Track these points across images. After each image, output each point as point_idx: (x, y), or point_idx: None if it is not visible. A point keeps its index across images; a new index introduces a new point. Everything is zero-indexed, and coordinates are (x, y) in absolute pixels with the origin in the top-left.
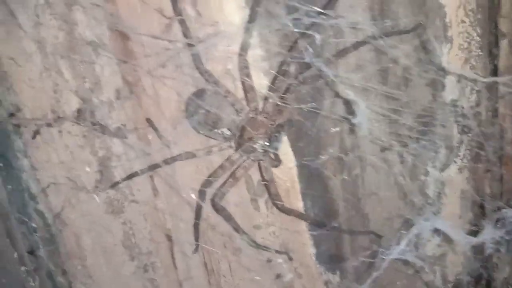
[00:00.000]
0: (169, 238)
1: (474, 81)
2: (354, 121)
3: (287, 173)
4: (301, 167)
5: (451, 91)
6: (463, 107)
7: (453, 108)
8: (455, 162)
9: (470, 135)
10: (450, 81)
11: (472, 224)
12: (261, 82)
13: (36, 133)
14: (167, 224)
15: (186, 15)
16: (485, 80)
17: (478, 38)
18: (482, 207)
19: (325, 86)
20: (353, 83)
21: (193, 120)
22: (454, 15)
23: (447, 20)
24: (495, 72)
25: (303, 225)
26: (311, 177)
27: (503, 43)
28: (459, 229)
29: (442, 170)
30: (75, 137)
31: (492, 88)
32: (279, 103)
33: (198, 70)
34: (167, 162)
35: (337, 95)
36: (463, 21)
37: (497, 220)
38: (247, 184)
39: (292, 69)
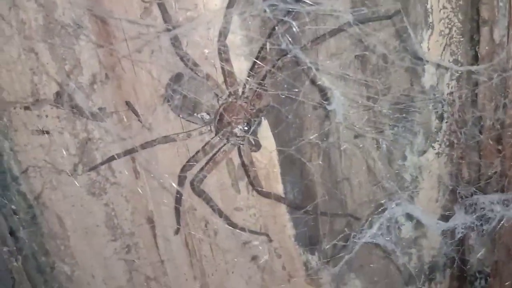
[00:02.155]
0: (150, 219)
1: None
2: (329, 107)
3: (267, 156)
4: (281, 151)
5: (430, 77)
6: (442, 93)
7: (432, 94)
8: (433, 147)
9: (447, 121)
10: (429, 67)
11: (445, 209)
12: (241, 67)
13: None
14: (149, 205)
15: None
16: (459, 69)
17: (459, 24)
18: (456, 192)
19: (302, 73)
20: (329, 70)
21: (172, 104)
22: (435, 1)
23: (428, 6)
24: (476, 57)
25: (282, 208)
26: (290, 162)
27: (484, 30)
28: (431, 214)
29: (420, 155)
30: (54, 120)
31: (471, 75)
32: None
33: (177, 54)
34: (145, 146)
35: (312, 82)
36: (444, 7)
37: (469, 206)
38: (228, 167)
39: (271, 55)
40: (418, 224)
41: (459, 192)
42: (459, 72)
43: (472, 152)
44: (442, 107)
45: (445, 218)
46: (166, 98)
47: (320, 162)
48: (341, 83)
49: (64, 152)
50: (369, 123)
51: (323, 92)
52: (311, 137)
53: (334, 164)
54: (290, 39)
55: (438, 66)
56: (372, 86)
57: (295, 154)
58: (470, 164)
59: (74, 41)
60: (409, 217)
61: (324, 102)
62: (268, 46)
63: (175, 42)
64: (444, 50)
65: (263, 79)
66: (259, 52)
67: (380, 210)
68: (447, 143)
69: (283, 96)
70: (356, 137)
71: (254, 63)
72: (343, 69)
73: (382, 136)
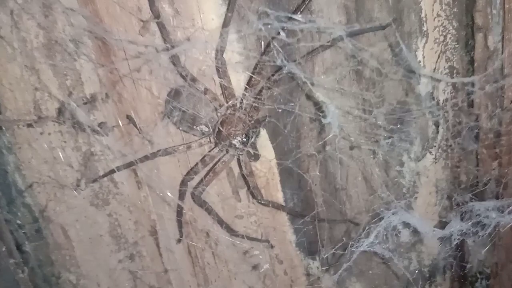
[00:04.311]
0: (153, 228)
1: (450, 73)
2: (325, 121)
3: (267, 165)
4: (280, 159)
5: (425, 85)
6: (438, 100)
7: (428, 101)
8: (431, 153)
9: (444, 127)
10: (425, 74)
11: (441, 216)
12: (239, 78)
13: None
14: (151, 215)
15: (164, 13)
16: (453, 81)
17: (454, 31)
18: (451, 199)
19: (297, 87)
20: (324, 84)
21: (172, 118)
22: (430, 10)
23: (422, 15)
24: (471, 62)
25: (283, 214)
26: (289, 171)
27: (479, 37)
28: (428, 221)
29: (417, 160)
30: (57, 134)
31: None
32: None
33: (177, 71)
34: (147, 158)
35: (308, 96)
36: (439, 15)
37: (465, 213)
38: (229, 177)
39: (266, 71)
40: (416, 231)
41: (455, 199)
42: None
43: (469, 157)
44: (439, 114)
45: (443, 224)
46: (166, 114)
47: (318, 173)
48: (337, 96)
49: (69, 167)
50: (365, 134)
51: (318, 106)
52: (307, 149)
53: (332, 174)
54: (285, 56)
55: (434, 70)
56: (366, 99)
57: (293, 166)
58: (467, 169)
59: (76, 57)
60: (406, 224)
61: (320, 114)
62: (262, 62)
63: (174, 59)
64: (439, 57)
65: (259, 93)
66: (255, 67)
67: (377, 219)
68: (444, 149)
69: (279, 110)
70: (351, 148)
71: (251, 77)
72: (338, 82)
73: (377, 147)
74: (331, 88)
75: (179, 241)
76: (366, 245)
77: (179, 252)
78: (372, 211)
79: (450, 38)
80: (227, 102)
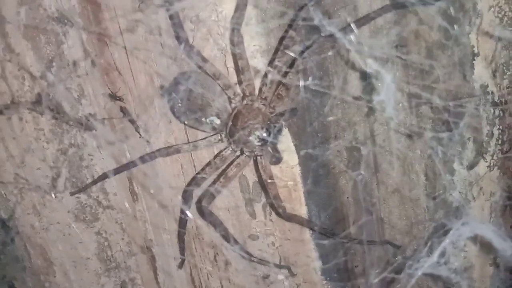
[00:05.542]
0: (150, 250)
1: (506, 65)
2: (376, 99)
3: (288, 172)
4: (305, 165)
5: (480, 75)
6: (493, 94)
7: (482, 95)
8: (484, 158)
9: (501, 127)
10: (479, 63)
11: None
12: (256, 62)
13: None
14: (148, 234)
15: None
16: None
17: (510, 13)
18: None
19: (336, 58)
20: (373, 51)
21: (176, 109)
22: None
23: None
24: None
25: (307, 234)
26: (317, 176)
27: None
28: (503, 235)
29: (470, 168)
30: (38, 132)
31: None
32: (281, 85)
33: (178, 40)
34: (143, 160)
35: (353, 67)
36: None
37: None
38: (241, 186)
39: (299, 35)
40: (480, 250)
41: None
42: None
43: None
44: (493, 111)
45: None
46: (169, 102)
47: (362, 172)
48: (389, 69)
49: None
50: (423, 123)
51: (366, 81)
52: (342, 142)
53: (372, 176)
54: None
55: (489, 63)
56: (427, 72)
57: (324, 165)
58: None
59: (63, 38)
60: (474, 240)
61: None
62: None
63: (175, 20)
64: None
65: (290, 67)
66: (280, 42)
67: (441, 231)
68: (500, 154)
69: (310, 94)
70: (409, 136)
71: (276, 51)
72: (390, 50)
73: (437, 139)
74: (382, 56)
75: (181, 264)
76: (429, 266)
77: (180, 279)
78: (425, 221)
79: (506, 21)
80: (243, 88)
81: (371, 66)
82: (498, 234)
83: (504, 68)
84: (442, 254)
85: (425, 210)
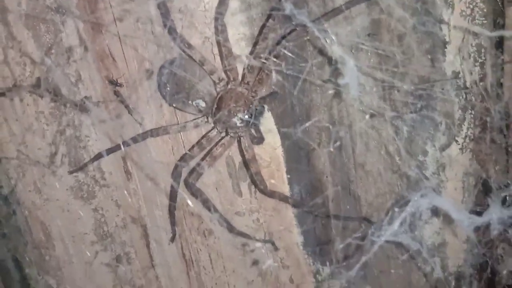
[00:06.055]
0: (143, 226)
1: (478, 52)
2: (341, 82)
3: (271, 153)
4: (287, 146)
5: (452, 62)
6: (465, 80)
7: (454, 81)
8: (457, 141)
9: (472, 111)
10: (451, 50)
11: (476, 204)
12: (240, 49)
13: None
14: (142, 211)
15: None
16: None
17: (482, 4)
18: (486, 185)
19: (307, 45)
20: (340, 39)
21: (165, 92)
22: None
23: None
24: (500, 43)
25: (289, 211)
26: (296, 155)
27: (510, 11)
28: (461, 208)
29: (442, 150)
30: (39, 114)
31: (496, 59)
32: (261, 71)
33: (167, 27)
34: (135, 140)
35: (321, 53)
36: None
37: (504, 199)
38: (228, 167)
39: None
40: (443, 222)
41: (491, 184)
42: (483, 58)
43: (500, 145)
44: (465, 96)
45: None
46: (158, 85)
47: (331, 149)
48: (353, 55)
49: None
50: (387, 103)
51: (332, 65)
52: (317, 120)
53: (347, 151)
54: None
55: (459, 50)
56: (387, 61)
57: (303, 144)
58: (498, 159)
59: (61, 27)
60: (435, 212)
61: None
62: (272, 19)
63: (163, 9)
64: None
65: (269, 54)
66: (261, 30)
67: (402, 203)
68: (472, 136)
69: (287, 73)
70: (372, 115)
71: (257, 40)
72: (356, 37)
73: (402, 118)
74: (347, 43)
75: (173, 238)
76: (390, 233)
77: (172, 254)
78: (395, 193)
79: (477, 12)
80: (227, 73)
81: (334, 52)
82: (455, 205)
83: (476, 55)
84: (402, 223)
85: (398, 189)
